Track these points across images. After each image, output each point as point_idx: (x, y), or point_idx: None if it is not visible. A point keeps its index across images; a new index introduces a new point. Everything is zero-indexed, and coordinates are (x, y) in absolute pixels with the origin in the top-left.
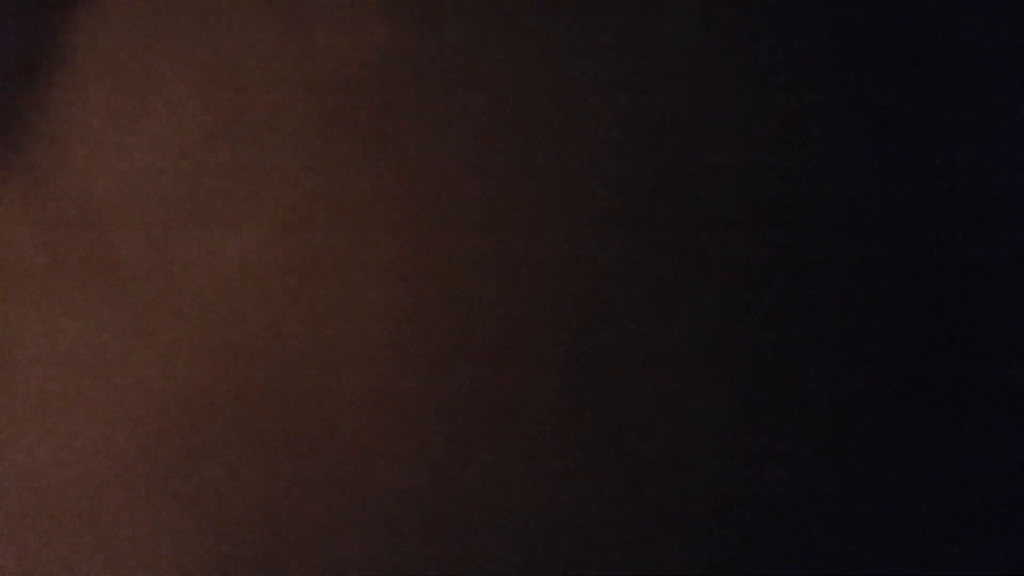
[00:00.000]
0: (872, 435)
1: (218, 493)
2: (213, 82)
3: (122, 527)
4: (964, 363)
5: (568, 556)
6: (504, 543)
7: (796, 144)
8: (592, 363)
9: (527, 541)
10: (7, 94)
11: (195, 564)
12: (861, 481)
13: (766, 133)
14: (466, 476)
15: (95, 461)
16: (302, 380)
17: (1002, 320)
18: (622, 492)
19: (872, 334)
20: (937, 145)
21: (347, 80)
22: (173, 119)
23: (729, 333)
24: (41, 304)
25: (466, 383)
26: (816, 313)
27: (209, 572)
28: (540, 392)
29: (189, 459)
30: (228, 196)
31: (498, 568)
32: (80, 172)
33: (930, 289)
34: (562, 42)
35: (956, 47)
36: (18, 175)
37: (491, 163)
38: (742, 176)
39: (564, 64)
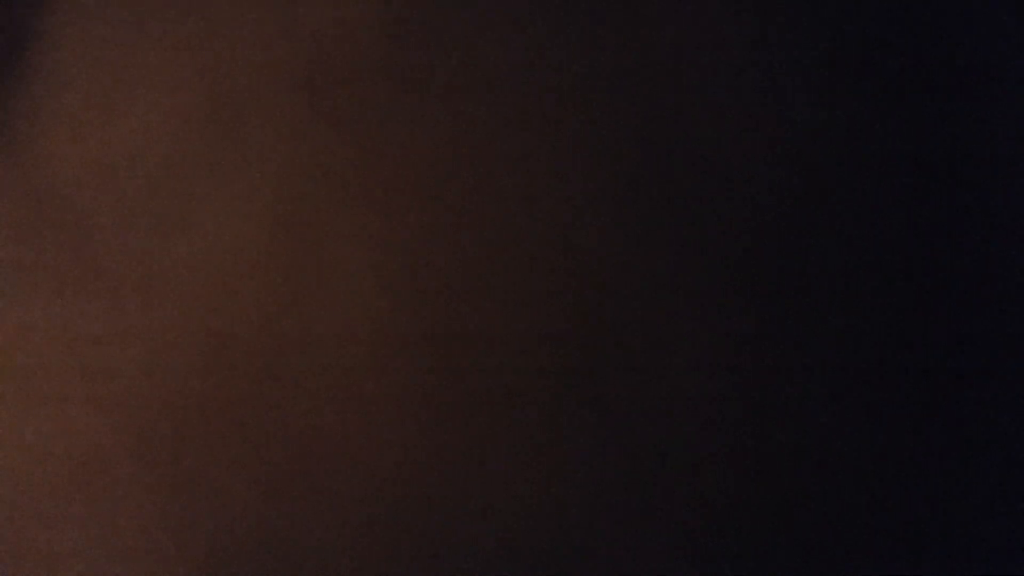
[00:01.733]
0: (873, 435)
1: (203, 487)
2: (196, 69)
3: (106, 521)
4: (964, 365)
5: (565, 558)
6: (494, 541)
7: (796, 143)
8: (588, 362)
9: (520, 541)
10: None
11: (181, 556)
12: (864, 481)
13: (766, 133)
14: (457, 469)
15: (78, 454)
16: (288, 372)
17: (1003, 321)
18: (620, 494)
19: (873, 333)
20: (938, 144)
21: (335, 66)
22: (156, 107)
23: (729, 334)
24: (20, 296)
25: (457, 377)
26: (817, 313)
27: (195, 564)
28: (534, 389)
29: (173, 453)
30: (211, 186)
31: (489, 567)
32: (60, 161)
33: (931, 290)
34: (559, 29)
35: (958, 48)
36: None
37: (485, 152)
38: (742, 176)
39: (560, 50)
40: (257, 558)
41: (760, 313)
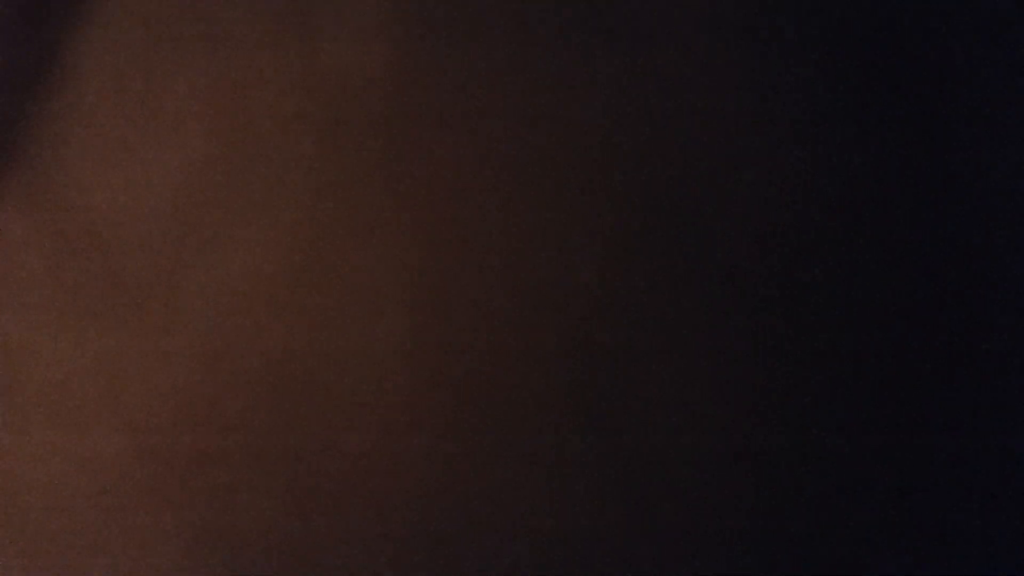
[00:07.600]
0: (875, 437)
1: (224, 506)
2: (218, 96)
3: (127, 538)
4: (964, 368)
5: (575, 565)
6: (511, 555)
7: (800, 154)
8: (603, 377)
9: (535, 553)
10: (10, 107)
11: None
12: (865, 483)
13: (770, 144)
14: (472, 488)
15: (100, 473)
16: (308, 394)
17: (1002, 323)
18: (629, 501)
19: (875, 337)
20: (940, 150)
21: (353, 95)
22: (178, 133)
23: (733, 339)
24: (44, 317)
25: (474, 396)
26: (819, 318)
27: None
28: (550, 404)
29: (195, 472)
30: (233, 210)
31: None
32: (84, 186)
33: (933, 296)
34: (571, 53)
35: (959, 51)
36: (21, 188)
37: (499, 177)
38: (745, 185)
39: (573, 74)
40: None
41: (761, 325)
